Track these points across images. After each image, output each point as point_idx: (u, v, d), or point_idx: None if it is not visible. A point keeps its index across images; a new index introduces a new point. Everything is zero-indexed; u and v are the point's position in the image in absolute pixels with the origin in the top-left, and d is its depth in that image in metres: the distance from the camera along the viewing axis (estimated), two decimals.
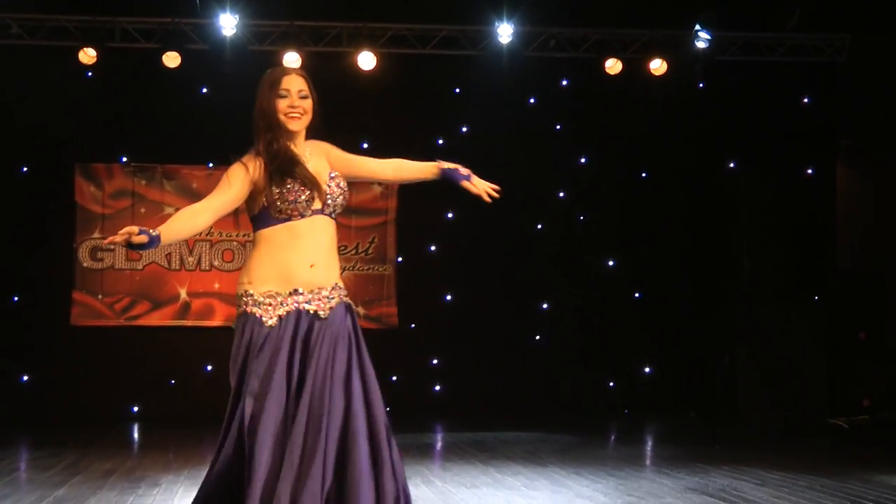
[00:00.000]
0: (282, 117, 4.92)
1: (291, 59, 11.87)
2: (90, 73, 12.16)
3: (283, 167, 4.82)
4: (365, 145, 13.19)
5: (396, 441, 4.66)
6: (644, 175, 13.60)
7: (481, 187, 5.34)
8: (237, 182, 4.93)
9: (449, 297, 13.27)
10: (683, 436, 11.19)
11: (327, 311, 4.65)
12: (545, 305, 13.43)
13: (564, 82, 13.31)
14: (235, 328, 4.71)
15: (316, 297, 4.67)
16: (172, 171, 12.98)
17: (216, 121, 12.59)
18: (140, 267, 12.84)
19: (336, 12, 12.08)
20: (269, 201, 4.79)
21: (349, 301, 4.75)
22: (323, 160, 4.95)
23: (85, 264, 12.81)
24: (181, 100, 12.60)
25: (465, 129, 13.32)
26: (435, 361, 13.20)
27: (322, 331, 4.62)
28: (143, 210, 12.88)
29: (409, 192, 13.23)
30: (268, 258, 4.73)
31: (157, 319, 12.86)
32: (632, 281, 13.51)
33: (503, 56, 11.91)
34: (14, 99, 12.48)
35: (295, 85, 4.91)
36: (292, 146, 4.92)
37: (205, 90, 12.71)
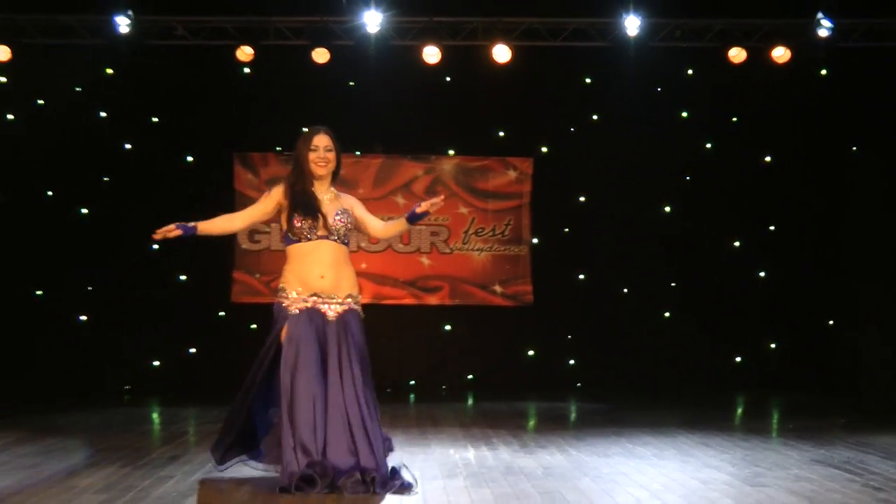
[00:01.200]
0: (312, 166, 6.34)
1: (431, 52, 11.92)
2: (247, 70, 12.41)
3: (298, 203, 6.22)
4: (501, 133, 13.30)
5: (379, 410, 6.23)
6: (767, 159, 13.33)
7: (427, 205, 6.36)
8: (269, 202, 6.39)
9: (581, 276, 13.22)
10: (808, 410, 10.95)
11: (334, 316, 6.13)
12: (673, 284, 13.28)
13: (689, 71, 13.12)
14: (274, 312, 6.22)
15: (329, 301, 6.15)
16: None
17: (362, 112, 12.79)
18: None
19: (472, 8, 12.09)
20: (287, 226, 6.26)
21: (356, 308, 6.25)
22: (342, 204, 6.36)
23: (244, 246, 13.10)
24: (330, 92, 12.77)
25: (595, 118, 13.24)
26: (569, 336, 13.17)
27: (330, 329, 6.08)
28: None
29: (542, 176, 13.23)
30: (291, 267, 6.25)
31: None
32: (756, 260, 13.27)
33: (630, 47, 11.76)
34: (179, 94, 12.85)
35: (322, 142, 6.38)
36: (315, 187, 6.34)
37: (352, 83, 12.85)
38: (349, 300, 6.23)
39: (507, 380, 12.92)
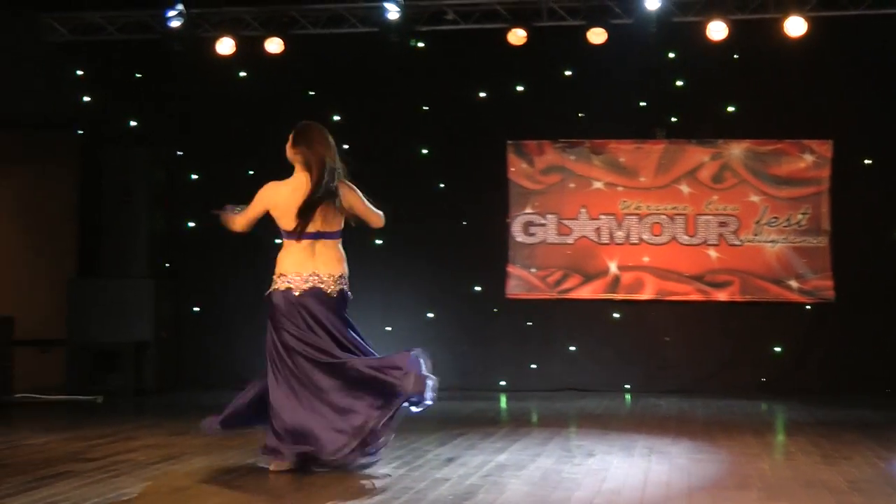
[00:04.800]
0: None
1: (717, 28, 11.69)
2: (518, 52, 12.51)
3: None
4: (795, 114, 12.84)
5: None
6: None
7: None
8: None
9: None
10: None
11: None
12: None
13: None
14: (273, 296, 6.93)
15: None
16: (600, 145, 13.12)
17: (642, 95, 12.68)
18: (571, 241, 13.11)
19: None
20: None
21: (344, 288, 6.99)
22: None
23: (518, 239, 13.23)
24: (607, 75, 12.71)
25: None
26: (876, 337, 12.52)
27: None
28: (572, 185, 13.14)
29: (843, 160, 12.68)
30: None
31: (588, 293, 13.08)
32: None
33: None
34: (452, 80, 13.11)
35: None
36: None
37: (629, 64, 12.72)
38: (341, 280, 7.01)
39: (804, 383, 12.48)
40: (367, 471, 6.77)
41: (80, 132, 13.76)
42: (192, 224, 13.36)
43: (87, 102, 13.54)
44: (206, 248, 13.04)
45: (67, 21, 13.11)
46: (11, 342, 12.72)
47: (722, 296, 12.89)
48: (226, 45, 12.77)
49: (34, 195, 14.34)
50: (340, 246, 7.08)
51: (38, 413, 11.00)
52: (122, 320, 12.61)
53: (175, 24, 12.48)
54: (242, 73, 13.29)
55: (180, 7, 12.42)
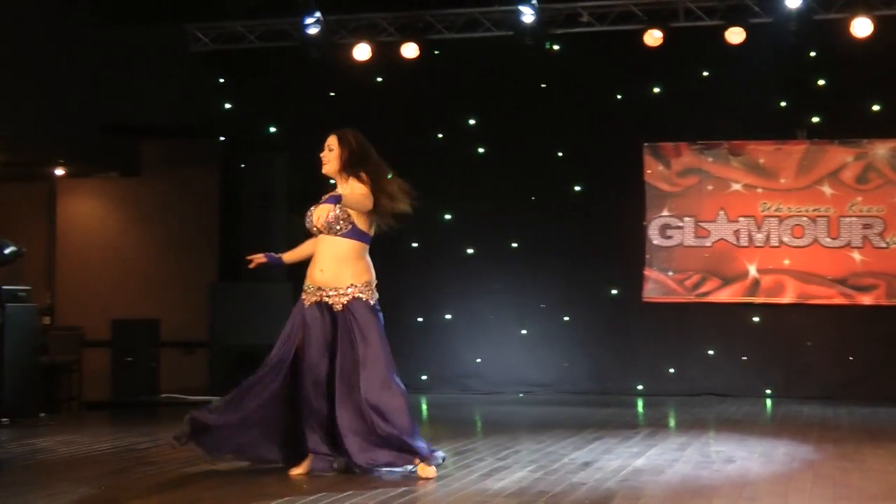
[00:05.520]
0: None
1: (861, 25, 11.44)
2: (653, 53, 12.42)
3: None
4: None
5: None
6: None
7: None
8: None
9: None
10: None
11: (339, 306, 6.64)
12: None
13: None
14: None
15: (333, 293, 6.66)
16: (738, 147, 12.93)
17: (782, 94, 12.46)
18: (709, 244, 12.93)
19: None
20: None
21: (360, 295, 6.64)
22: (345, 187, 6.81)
23: (655, 241, 13.10)
24: (746, 75, 12.52)
25: None
26: None
27: (336, 318, 6.63)
28: (709, 187, 12.97)
29: None
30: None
31: (727, 296, 12.88)
32: None
33: None
34: (587, 82, 13.06)
35: (327, 141, 6.96)
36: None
37: (768, 63, 12.48)
38: (351, 290, 6.66)
39: None
40: (501, 474, 6.78)
41: (222, 139, 14.07)
42: None
43: (227, 110, 13.85)
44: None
45: (210, 31, 13.44)
46: (158, 344, 13.11)
47: (867, 299, 12.57)
48: (362, 51, 12.93)
49: (178, 202, 14.74)
50: None
51: (182, 413, 11.27)
52: (263, 322, 12.82)
53: (313, 31, 12.69)
54: (379, 79, 13.43)
55: (318, 14, 12.62)
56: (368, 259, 6.83)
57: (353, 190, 6.75)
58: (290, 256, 7.18)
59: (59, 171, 15.11)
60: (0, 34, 11.73)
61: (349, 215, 6.69)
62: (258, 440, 6.78)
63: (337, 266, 6.70)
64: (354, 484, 6.29)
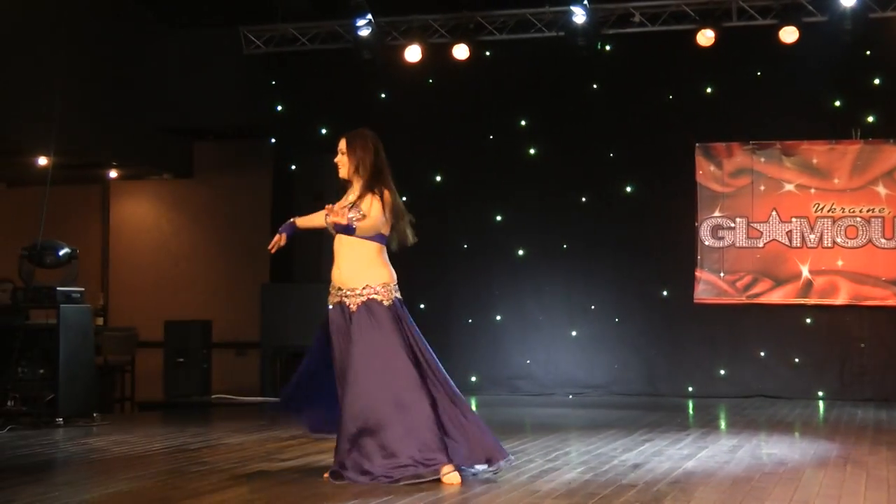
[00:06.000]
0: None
1: None
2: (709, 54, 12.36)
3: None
4: None
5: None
6: None
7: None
8: None
9: None
10: None
11: (355, 308, 6.63)
12: None
13: None
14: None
15: (350, 293, 6.65)
16: (791, 147, 12.83)
17: (839, 93, 12.35)
18: (761, 245, 12.84)
19: None
20: None
21: (377, 297, 6.61)
22: (356, 204, 6.73)
23: (707, 242, 13.03)
24: (799, 74, 12.43)
25: None
26: None
27: (353, 319, 6.61)
28: (762, 188, 12.88)
29: None
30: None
31: (779, 297, 12.79)
32: None
33: None
34: (639, 82, 13.03)
35: (339, 146, 6.89)
36: (348, 188, 6.94)
37: (822, 62, 12.37)
38: (367, 291, 6.64)
39: None
40: (551, 476, 6.78)
41: (274, 141, 14.17)
42: None
43: (280, 111, 13.95)
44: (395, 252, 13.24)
45: (262, 33, 13.54)
46: (210, 345, 13.21)
47: None
48: (414, 53, 12.98)
49: (230, 203, 14.87)
50: None
51: (233, 413, 11.38)
52: (314, 324, 12.89)
53: (364, 32, 12.75)
54: (430, 80, 13.46)
55: (369, 16, 12.68)
56: (386, 258, 6.80)
57: (373, 211, 6.69)
58: (303, 222, 7.19)
59: (113, 174, 15.31)
60: (57, 38, 11.89)
61: (364, 216, 6.68)
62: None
63: (354, 266, 6.70)
64: (400, 487, 6.30)
